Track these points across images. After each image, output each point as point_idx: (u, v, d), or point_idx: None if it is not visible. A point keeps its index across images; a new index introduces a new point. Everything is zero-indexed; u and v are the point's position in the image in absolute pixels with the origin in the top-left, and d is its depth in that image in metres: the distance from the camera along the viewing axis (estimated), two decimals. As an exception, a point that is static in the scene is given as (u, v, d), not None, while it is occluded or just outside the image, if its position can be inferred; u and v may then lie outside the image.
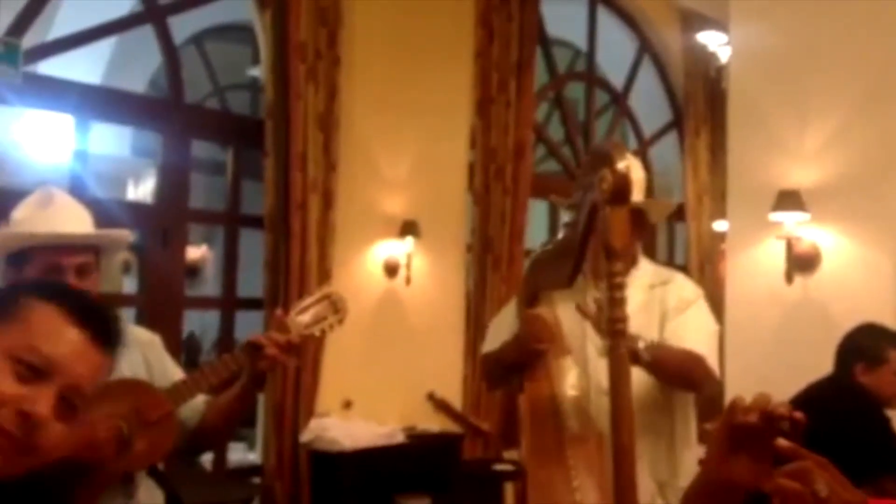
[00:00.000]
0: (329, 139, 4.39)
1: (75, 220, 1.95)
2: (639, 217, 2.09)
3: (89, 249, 1.92)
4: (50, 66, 3.89)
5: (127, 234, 2.04)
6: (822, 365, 2.51)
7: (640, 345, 1.98)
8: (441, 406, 4.94)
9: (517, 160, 5.28)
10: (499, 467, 4.77)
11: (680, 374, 2.11)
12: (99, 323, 1.10)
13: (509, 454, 4.76)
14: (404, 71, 4.85)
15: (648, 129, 6.72)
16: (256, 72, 5.19)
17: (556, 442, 2.07)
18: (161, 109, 4.35)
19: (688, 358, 2.09)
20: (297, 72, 4.25)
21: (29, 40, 3.70)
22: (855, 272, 3.83)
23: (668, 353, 2.09)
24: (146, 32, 4.27)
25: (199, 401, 2.03)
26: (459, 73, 5.14)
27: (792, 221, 3.93)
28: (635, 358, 1.93)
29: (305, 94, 4.28)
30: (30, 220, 1.91)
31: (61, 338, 1.06)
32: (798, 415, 0.93)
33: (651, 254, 4.04)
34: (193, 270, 5.51)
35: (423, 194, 4.95)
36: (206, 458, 4.33)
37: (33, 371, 1.03)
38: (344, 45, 4.47)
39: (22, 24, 3.68)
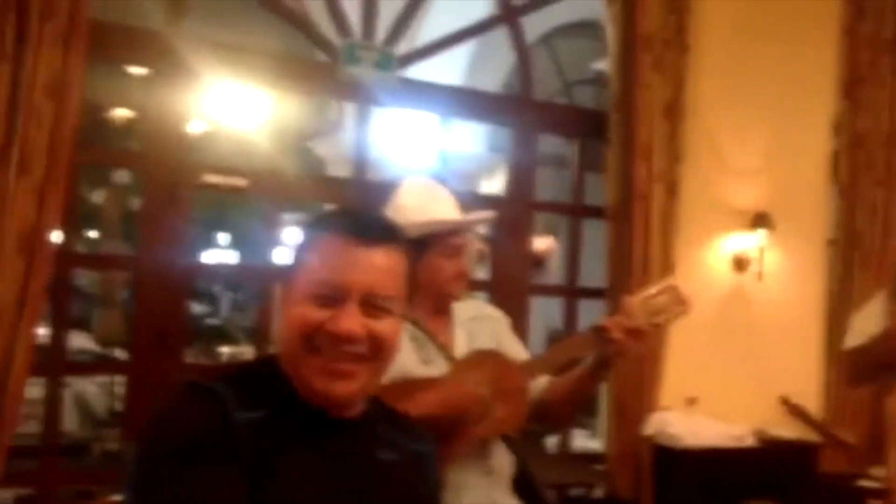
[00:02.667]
0: (675, 129, 4.29)
1: (456, 206, 2.14)
2: None
3: (466, 232, 2.12)
4: (418, 70, 4.28)
5: (493, 215, 2.32)
6: None
7: None
8: (797, 412, 4.59)
9: (891, 147, 4.75)
10: (862, 483, 4.31)
11: None
12: (367, 229, 1.19)
13: (876, 470, 4.28)
14: (756, 54, 4.57)
15: None
16: (602, 65, 5.23)
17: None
18: (512, 106, 4.57)
19: None
20: (643, 62, 4.21)
21: (401, 47, 4.11)
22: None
23: None
24: (501, 34, 4.52)
25: (542, 379, 2.12)
26: (822, 52, 4.73)
27: None
28: None
29: (651, 84, 4.23)
30: (424, 207, 2.08)
31: (341, 261, 1.16)
32: None
33: None
34: (539, 261, 5.71)
35: (778, 185, 4.64)
36: (551, 442, 4.49)
37: (333, 299, 1.15)
38: (692, 32, 4.33)
39: (395, 32, 4.09)
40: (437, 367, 2.03)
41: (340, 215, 1.32)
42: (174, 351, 3.53)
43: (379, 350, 1.17)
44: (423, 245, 2.03)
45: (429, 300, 2.09)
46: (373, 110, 4.05)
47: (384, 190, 2.25)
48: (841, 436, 4.50)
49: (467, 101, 4.46)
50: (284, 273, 1.23)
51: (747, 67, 4.56)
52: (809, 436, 4.54)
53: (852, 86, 4.71)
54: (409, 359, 2.01)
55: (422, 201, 2.08)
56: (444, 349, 2.07)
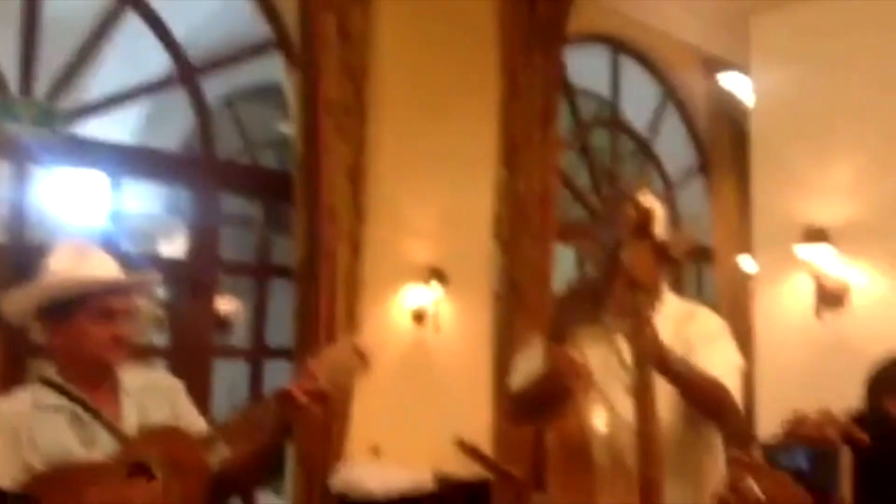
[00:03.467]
0: (357, 191, 4.47)
1: (114, 267, 2.02)
2: (662, 252, 2.11)
3: (128, 293, 1.99)
4: (87, 126, 4.02)
5: (156, 276, 2.18)
6: (850, 399, 2.49)
7: (669, 353, 1.96)
8: (470, 452, 4.89)
9: (543, 208, 5.32)
10: (531, 514, 4.70)
11: (707, 396, 2.06)
12: None
13: (539, 497, 4.70)
14: (430, 122, 4.94)
15: (674, 174, 6.75)
16: (286, 128, 5.31)
17: (584, 478, 2.06)
18: (192, 166, 4.46)
19: (716, 384, 2.07)
20: (326, 126, 4.35)
21: (68, 102, 3.84)
22: (883, 306, 3.80)
23: (698, 373, 2.05)
24: (180, 94, 4.41)
25: (224, 450, 2.06)
26: (484, 124, 5.23)
27: (819, 257, 3.92)
28: (665, 367, 1.91)
29: (334, 148, 4.37)
30: (73, 268, 1.97)
31: None
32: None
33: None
34: (223, 323, 5.57)
35: (451, 242, 5.00)
36: (238, 508, 4.34)
37: None
38: (370, 99, 4.57)
39: (58, 87, 3.82)
40: (103, 448, 1.88)
41: None
42: None
43: None
44: (70, 309, 1.91)
45: (84, 370, 1.93)
46: (32, 169, 3.72)
47: (42, 254, 2.09)
48: (509, 470, 4.88)
49: (142, 160, 4.28)
50: None
51: (422, 134, 4.90)
52: (482, 473, 4.87)
53: (510, 153, 5.25)
54: (69, 440, 1.85)
55: (72, 263, 1.96)
56: (111, 426, 1.92)
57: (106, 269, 2.00)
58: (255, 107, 6.86)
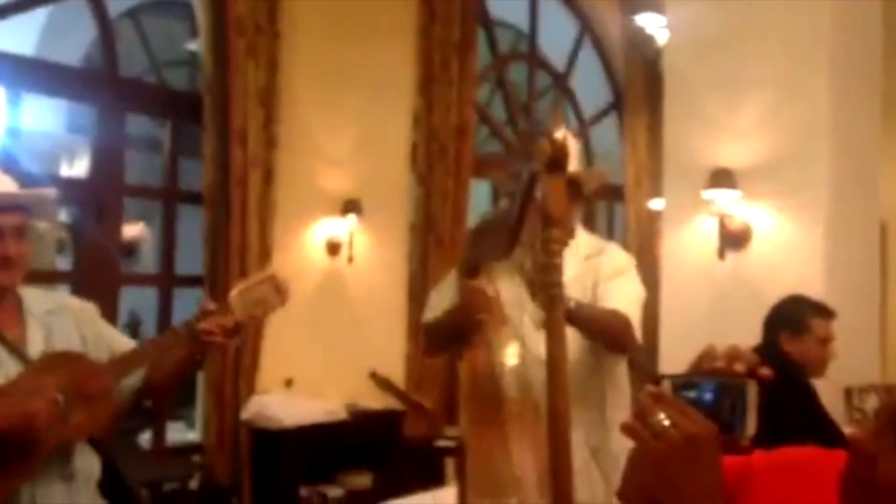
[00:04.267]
0: (269, 115, 4.35)
1: (6, 182, 1.91)
2: (575, 188, 2.13)
3: (18, 210, 1.89)
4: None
5: (53, 192, 2.00)
6: (750, 337, 2.60)
7: (571, 304, 2.02)
8: (383, 384, 4.95)
9: (459, 140, 5.30)
10: (440, 443, 4.81)
11: (607, 331, 2.17)
12: None
13: (451, 430, 4.80)
14: (346, 47, 4.82)
15: (589, 111, 6.80)
16: (194, 46, 5.09)
17: (494, 410, 2.10)
18: (94, 82, 4.25)
19: (615, 317, 2.16)
20: (237, 46, 4.20)
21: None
22: (784, 248, 3.96)
23: (597, 311, 2.16)
24: (80, 3, 4.16)
25: (133, 376, 2.01)
26: (401, 51, 5.13)
27: (724, 199, 4.03)
28: (567, 316, 1.97)
29: (245, 69, 4.23)
30: None
31: None
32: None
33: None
34: (130, 249, 5.40)
35: (366, 173, 4.94)
36: (145, 438, 4.29)
37: None
38: (284, 20, 4.42)
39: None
40: (6, 371, 1.83)
41: None
42: None
43: None
44: None
45: None
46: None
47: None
48: (421, 402, 4.96)
49: (41, 74, 4.05)
50: None
51: (337, 61, 4.78)
52: (395, 405, 4.94)
53: (426, 83, 5.18)
54: None
55: None
56: (14, 348, 1.87)
57: None
58: (162, 22, 6.54)
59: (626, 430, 0.90)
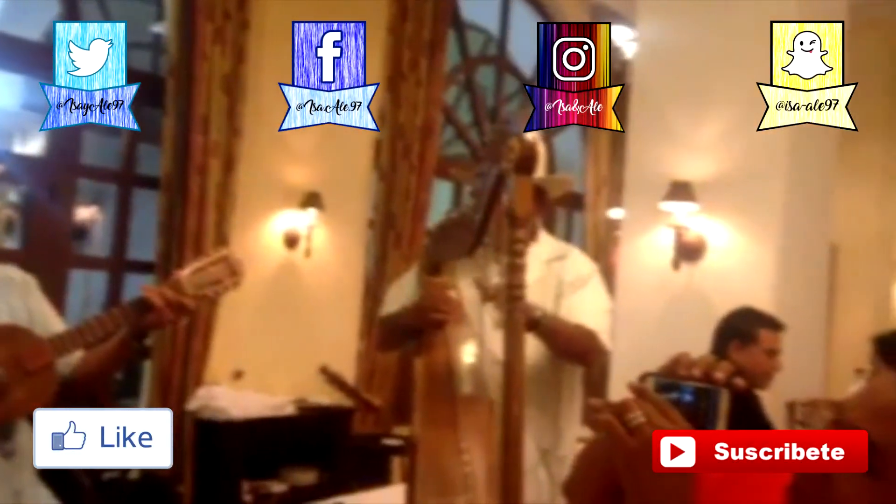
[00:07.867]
0: (234, 103, 4.30)
1: None
2: (539, 193, 2.14)
3: None
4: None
5: (4, 170, 1.94)
6: (701, 345, 2.63)
7: (538, 314, 2.02)
8: (333, 380, 4.90)
9: (424, 139, 5.30)
10: (387, 442, 4.79)
11: (572, 346, 2.17)
12: None
13: (400, 429, 4.79)
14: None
15: (553, 119, 6.84)
16: (159, 29, 5.01)
17: (448, 407, 2.09)
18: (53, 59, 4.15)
19: (581, 332, 2.15)
20: (204, 31, 4.14)
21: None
22: (737, 262, 4.02)
23: (564, 325, 2.14)
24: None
25: (75, 354, 1.95)
26: (370, 47, 5.08)
27: (681, 212, 4.09)
28: (532, 325, 1.97)
29: (211, 55, 4.17)
30: None
31: None
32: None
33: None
34: (81, 231, 5.29)
35: (329, 167, 4.90)
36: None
37: None
38: (254, 6, 4.37)
39: None
40: None
41: None
42: None
43: None
44: None
45: None
46: None
47: None
48: (370, 399, 4.94)
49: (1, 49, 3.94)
50: None
51: (304, 52, 4.73)
52: (344, 401, 4.90)
53: (394, 81, 5.16)
54: None
55: None
56: None
57: None
58: (127, 3, 6.43)
59: (602, 424, 0.90)
